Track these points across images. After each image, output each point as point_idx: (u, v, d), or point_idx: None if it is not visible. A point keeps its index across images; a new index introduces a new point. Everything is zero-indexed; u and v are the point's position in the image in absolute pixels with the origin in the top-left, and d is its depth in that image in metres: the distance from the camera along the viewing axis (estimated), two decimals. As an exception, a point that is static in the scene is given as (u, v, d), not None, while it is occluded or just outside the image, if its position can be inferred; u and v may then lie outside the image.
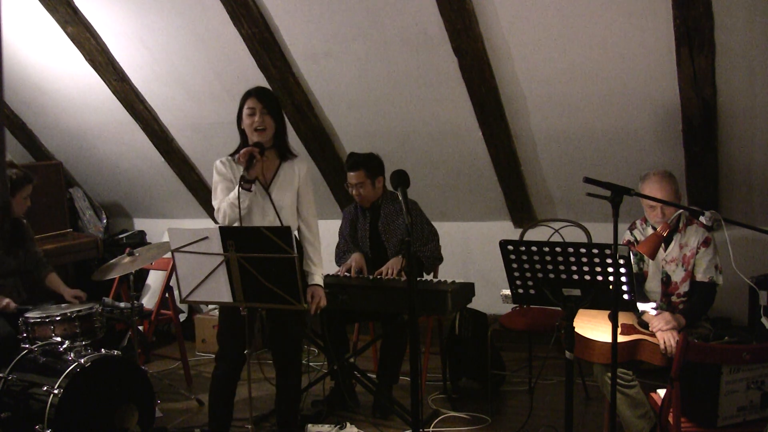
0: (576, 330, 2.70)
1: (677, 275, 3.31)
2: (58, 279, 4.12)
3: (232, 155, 3.31)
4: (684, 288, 3.31)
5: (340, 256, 4.14)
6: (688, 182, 4.18)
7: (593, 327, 3.10)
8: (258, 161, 3.14)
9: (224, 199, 3.21)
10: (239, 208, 3.10)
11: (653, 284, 3.37)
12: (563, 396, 2.70)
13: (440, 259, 4.06)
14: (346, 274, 3.92)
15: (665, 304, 3.32)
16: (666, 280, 3.34)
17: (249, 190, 3.13)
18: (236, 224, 3.13)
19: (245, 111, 3.24)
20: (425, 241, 3.98)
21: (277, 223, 3.21)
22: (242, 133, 3.30)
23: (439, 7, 3.72)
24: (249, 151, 3.12)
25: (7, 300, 3.75)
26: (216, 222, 3.27)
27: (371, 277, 3.85)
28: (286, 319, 3.28)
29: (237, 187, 3.12)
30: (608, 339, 2.80)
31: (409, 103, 4.42)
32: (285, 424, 3.46)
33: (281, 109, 3.32)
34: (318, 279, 3.35)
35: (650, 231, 3.37)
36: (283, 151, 3.34)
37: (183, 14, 4.37)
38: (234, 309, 3.10)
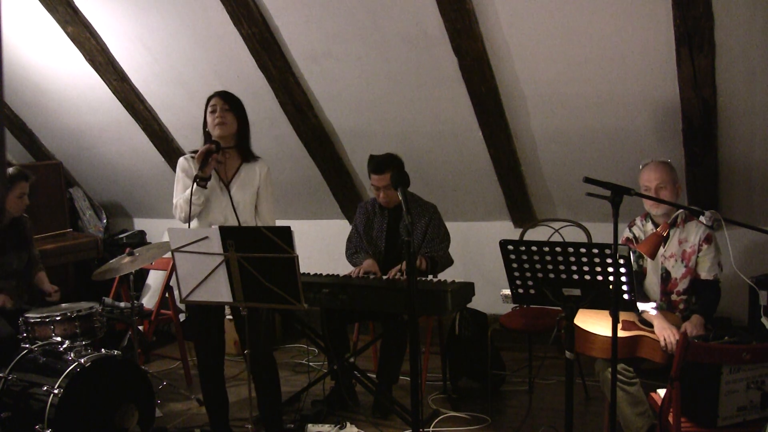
0: (577, 324, 2.69)
1: (677, 271, 3.31)
2: (44, 276, 4.13)
3: (194, 153, 3.40)
4: (683, 285, 3.30)
5: (352, 251, 4.13)
6: (688, 182, 4.18)
7: (594, 322, 3.10)
8: (213, 159, 3.26)
9: (181, 196, 3.34)
10: (191, 204, 3.24)
11: (652, 281, 3.37)
12: (563, 396, 2.70)
13: (451, 262, 4.07)
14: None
15: (665, 303, 3.32)
16: (665, 277, 3.33)
17: (204, 186, 3.26)
18: (189, 222, 3.26)
19: (208, 109, 3.37)
20: (440, 241, 4.00)
21: (234, 220, 3.31)
22: (207, 135, 3.40)
23: (439, 7, 3.72)
24: (207, 148, 3.25)
25: (2, 297, 3.74)
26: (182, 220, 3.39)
27: (385, 277, 3.82)
28: (259, 318, 3.26)
29: (192, 184, 3.24)
30: (609, 333, 2.80)
31: (409, 103, 4.42)
32: (272, 424, 3.46)
33: (245, 112, 3.43)
34: None
35: (650, 227, 3.37)
36: (246, 152, 3.44)
37: (183, 14, 4.37)
38: (208, 309, 3.16)
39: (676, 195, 3.31)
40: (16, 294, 3.89)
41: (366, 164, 4.11)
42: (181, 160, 3.46)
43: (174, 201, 3.43)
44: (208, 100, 3.40)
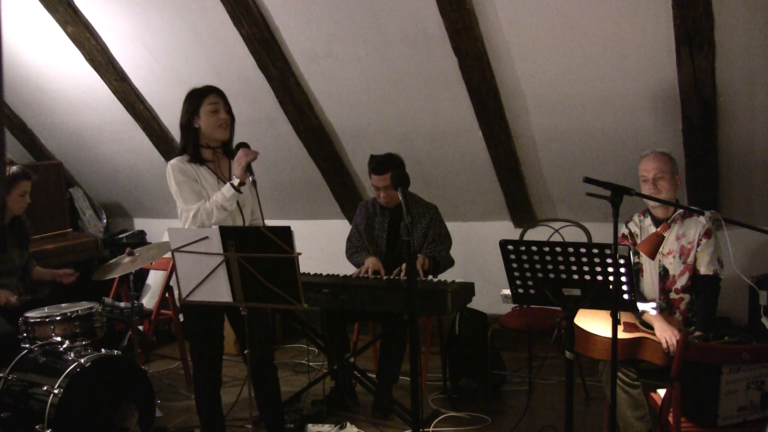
0: (578, 324, 2.68)
1: (675, 268, 3.29)
2: (41, 269, 4.15)
3: (183, 155, 3.23)
4: (682, 282, 3.28)
5: (352, 251, 4.11)
6: (688, 182, 4.18)
7: (595, 323, 3.09)
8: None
9: (203, 201, 3.13)
10: (240, 208, 3.14)
11: (649, 279, 3.36)
12: (563, 396, 2.70)
13: (452, 263, 4.07)
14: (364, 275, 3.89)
15: (664, 302, 3.31)
16: (663, 275, 3.31)
17: (241, 192, 3.15)
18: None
19: (207, 107, 3.16)
20: (441, 241, 4.00)
21: (243, 221, 3.24)
22: (193, 131, 3.20)
23: (439, 7, 3.72)
24: (255, 155, 3.13)
25: (7, 294, 3.75)
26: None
27: (391, 277, 3.82)
28: (258, 319, 3.21)
29: (227, 188, 3.11)
30: (610, 334, 2.80)
31: (409, 103, 4.42)
32: (274, 424, 3.43)
33: None
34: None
35: (648, 222, 3.35)
36: (230, 148, 3.31)
37: (183, 14, 4.37)
38: (208, 309, 3.12)
39: (675, 187, 3.27)
40: (17, 291, 3.91)
41: (366, 164, 4.12)
42: (177, 164, 3.19)
43: (191, 208, 3.13)
44: (203, 95, 3.17)
